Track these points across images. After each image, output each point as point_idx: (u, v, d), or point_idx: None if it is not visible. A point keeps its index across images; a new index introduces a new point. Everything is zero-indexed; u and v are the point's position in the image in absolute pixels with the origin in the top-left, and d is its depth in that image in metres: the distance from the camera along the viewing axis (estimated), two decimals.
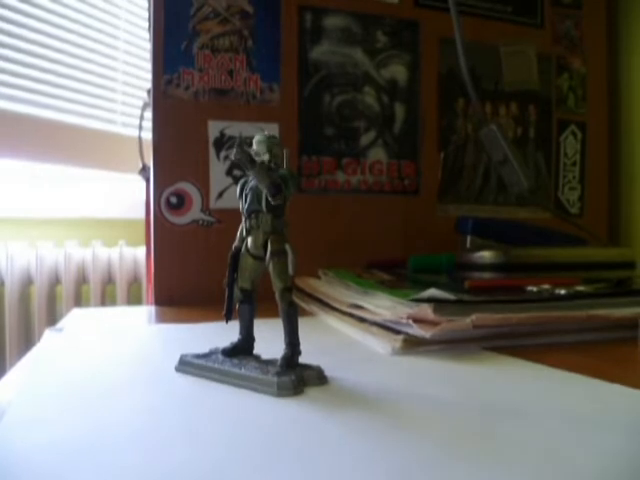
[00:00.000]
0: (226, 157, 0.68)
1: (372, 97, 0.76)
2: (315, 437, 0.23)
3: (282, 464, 0.20)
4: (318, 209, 0.72)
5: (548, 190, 0.87)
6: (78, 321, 0.54)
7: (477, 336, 0.40)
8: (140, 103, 0.86)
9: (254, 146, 0.31)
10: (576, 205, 0.89)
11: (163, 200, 0.66)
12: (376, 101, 0.76)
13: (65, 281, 1.20)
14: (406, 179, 0.78)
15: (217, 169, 0.68)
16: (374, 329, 0.41)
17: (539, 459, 0.20)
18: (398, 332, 0.39)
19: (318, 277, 0.61)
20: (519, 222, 0.80)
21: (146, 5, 0.81)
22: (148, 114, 0.68)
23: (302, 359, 0.31)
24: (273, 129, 0.69)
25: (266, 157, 0.31)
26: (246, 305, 0.33)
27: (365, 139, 0.76)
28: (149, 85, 0.67)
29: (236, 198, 0.33)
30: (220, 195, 0.68)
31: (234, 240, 0.33)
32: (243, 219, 0.33)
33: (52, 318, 1.18)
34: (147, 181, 0.74)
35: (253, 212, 0.32)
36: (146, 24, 0.87)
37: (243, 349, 0.33)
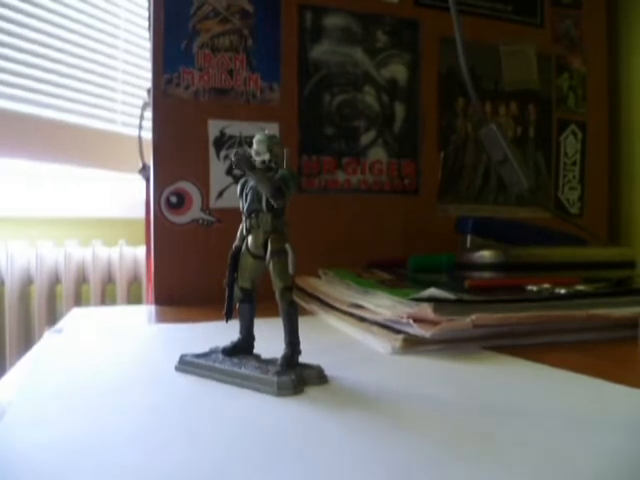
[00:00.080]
0: (226, 156, 0.68)
1: (372, 97, 0.76)
2: (315, 437, 0.23)
3: (282, 464, 0.20)
4: (318, 209, 0.72)
5: (548, 190, 0.87)
6: (78, 321, 0.54)
7: (477, 335, 0.40)
8: (140, 102, 0.86)
9: (254, 145, 0.31)
10: (576, 205, 0.89)
11: (163, 199, 0.66)
12: (376, 100, 0.76)
13: (65, 280, 1.20)
14: (406, 179, 0.77)
15: (217, 168, 0.68)
16: (374, 328, 0.41)
17: (539, 459, 0.20)
18: (398, 331, 0.39)
19: (318, 276, 0.61)
20: (519, 222, 0.80)
21: (146, 4, 0.81)
22: (148, 113, 0.68)
23: (302, 358, 0.31)
24: (273, 128, 0.69)
25: (266, 156, 0.31)
26: (246, 304, 0.33)
27: (365, 139, 0.76)
28: (149, 84, 0.67)
29: (236, 197, 0.33)
30: (220, 194, 0.68)
31: (234, 239, 0.33)
32: (243, 218, 0.33)
33: (52, 318, 1.18)
34: (147, 180, 0.74)
35: (253, 211, 0.32)
36: (146, 23, 0.87)
37: (243, 348, 0.33)
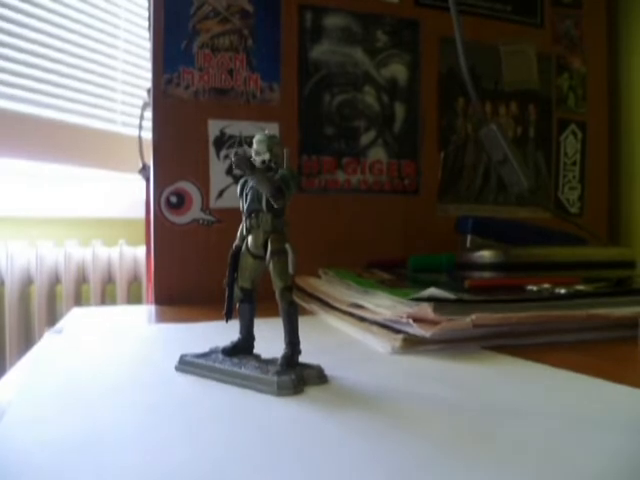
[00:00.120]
0: (226, 156, 0.68)
1: (372, 97, 0.76)
2: (315, 437, 0.23)
3: (282, 464, 0.20)
4: (318, 209, 0.72)
5: (548, 190, 0.87)
6: (78, 320, 0.54)
7: (477, 335, 0.40)
8: (140, 102, 0.86)
9: (254, 145, 0.31)
10: (576, 205, 0.89)
11: (163, 199, 0.66)
12: (376, 100, 0.76)
13: (65, 280, 1.20)
14: (406, 179, 0.77)
15: (217, 168, 0.68)
16: (374, 328, 0.41)
17: (539, 459, 0.20)
18: (398, 331, 0.39)
19: (318, 276, 0.61)
20: (519, 221, 0.80)
21: (146, 4, 0.81)
22: (148, 113, 0.68)
23: (302, 358, 0.31)
24: (273, 128, 0.69)
25: (266, 156, 0.31)
26: (246, 304, 0.33)
27: (365, 139, 0.76)
28: (149, 84, 0.67)
29: (236, 197, 0.33)
30: (220, 194, 0.68)
31: (234, 239, 0.33)
32: (243, 218, 0.33)
33: (52, 317, 1.18)
34: (147, 180, 0.74)
35: (253, 211, 0.32)
36: (146, 23, 0.87)
37: (243, 348, 0.33)
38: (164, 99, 0.66)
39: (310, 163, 0.72)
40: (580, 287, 0.47)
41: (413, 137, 0.78)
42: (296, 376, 0.29)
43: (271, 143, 0.31)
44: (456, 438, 0.23)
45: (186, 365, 0.33)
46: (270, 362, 0.31)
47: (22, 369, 0.36)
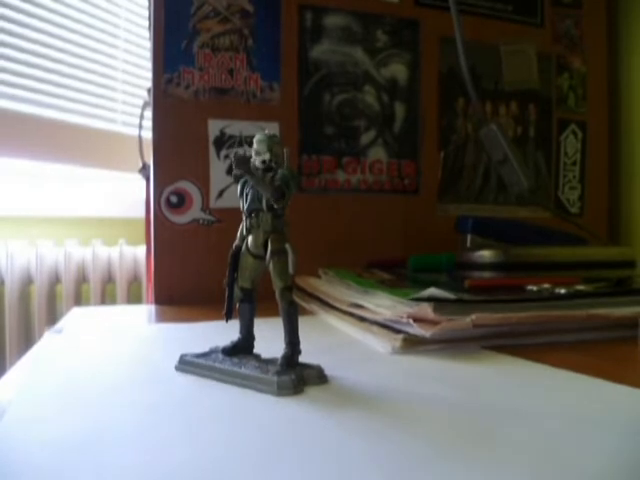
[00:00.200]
0: (226, 156, 0.68)
1: (372, 96, 0.76)
2: (315, 437, 0.23)
3: (282, 464, 0.20)
4: (318, 208, 0.72)
5: (548, 190, 0.87)
6: (78, 320, 0.54)
7: (477, 335, 0.40)
8: (140, 102, 0.86)
9: (254, 145, 0.31)
10: (576, 204, 0.89)
11: (163, 199, 0.66)
12: (376, 100, 0.76)
13: (65, 280, 1.20)
14: (406, 178, 0.77)
15: (217, 168, 0.68)
16: (374, 328, 0.41)
17: (539, 459, 0.20)
18: (398, 331, 0.39)
19: (318, 276, 0.61)
20: (519, 221, 0.80)
21: (146, 4, 0.81)
22: (148, 113, 0.68)
23: (302, 358, 0.31)
24: (273, 128, 0.69)
25: (266, 156, 0.31)
26: (246, 304, 0.33)
27: (365, 138, 0.76)
28: (149, 84, 0.67)
29: (236, 197, 0.33)
30: (220, 194, 0.68)
31: (234, 239, 0.33)
32: (243, 218, 0.33)
33: (52, 317, 1.18)
34: (147, 180, 0.74)
35: (253, 211, 0.32)
36: (146, 23, 0.87)
37: (243, 348, 0.33)
38: (164, 99, 0.66)
39: (310, 163, 0.72)
40: (580, 287, 0.47)
41: (413, 137, 0.78)
42: (296, 376, 0.29)
43: (271, 143, 0.31)
44: (456, 438, 0.23)
45: (186, 365, 0.33)
46: (270, 362, 0.31)
47: (22, 369, 0.36)
